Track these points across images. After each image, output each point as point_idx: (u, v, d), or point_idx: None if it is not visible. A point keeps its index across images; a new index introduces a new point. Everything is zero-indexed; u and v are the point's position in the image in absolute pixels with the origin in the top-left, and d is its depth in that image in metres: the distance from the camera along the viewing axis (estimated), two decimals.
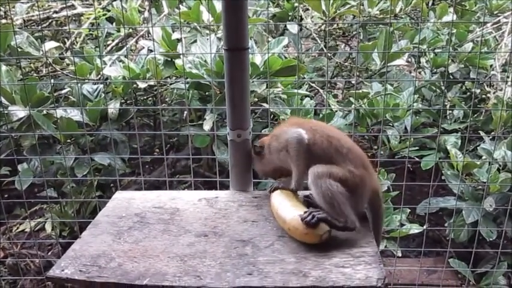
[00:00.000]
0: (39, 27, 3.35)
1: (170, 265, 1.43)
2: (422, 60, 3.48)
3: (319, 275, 1.37)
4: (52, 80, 2.99)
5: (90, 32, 3.57)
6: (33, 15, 3.46)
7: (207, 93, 2.81)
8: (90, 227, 1.66)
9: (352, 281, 1.35)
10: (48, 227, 3.38)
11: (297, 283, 1.35)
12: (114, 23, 3.49)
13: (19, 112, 2.55)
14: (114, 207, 1.79)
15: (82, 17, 3.59)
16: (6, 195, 3.43)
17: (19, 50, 2.70)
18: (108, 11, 3.45)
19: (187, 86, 2.71)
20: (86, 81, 2.80)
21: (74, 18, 3.72)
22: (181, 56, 2.67)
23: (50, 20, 3.51)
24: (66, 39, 3.49)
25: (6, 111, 2.59)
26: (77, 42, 3.49)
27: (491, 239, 2.74)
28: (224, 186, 2.57)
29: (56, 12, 3.42)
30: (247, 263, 1.44)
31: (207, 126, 2.62)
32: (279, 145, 1.71)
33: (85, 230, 1.64)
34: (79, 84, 2.74)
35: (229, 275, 1.38)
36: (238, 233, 1.61)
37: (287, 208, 1.62)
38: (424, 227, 2.65)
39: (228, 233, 1.61)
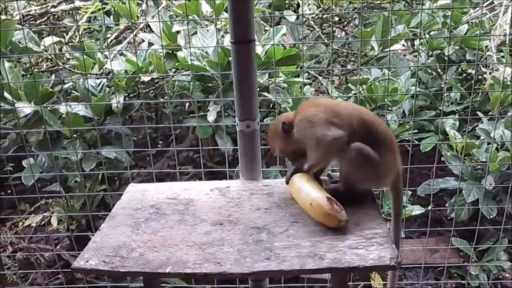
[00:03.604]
0: (38, 22, 3.36)
1: (190, 253, 1.49)
2: (418, 43, 3.52)
3: (335, 257, 1.43)
4: (53, 76, 3.03)
5: (88, 26, 3.58)
6: (30, 10, 3.47)
7: (209, 84, 2.85)
8: (108, 220, 1.71)
9: (367, 261, 1.41)
10: (54, 222, 3.42)
11: (313, 265, 1.41)
12: (111, 16, 3.50)
13: (25, 109, 2.58)
14: (128, 199, 1.84)
15: (80, 11, 3.59)
16: (9, 191, 3.46)
17: (20, 46, 2.71)
18: (106, 4, 3.46)
19: (190, 78, 2.75)
20: (89, 76, 2.82)
21: (70, 12, 3.72)
22: (183, 49, 2.70)
23: (48, 15, 3.52)
24: (65, 34, 3.50)
25: (11, 108, 2.61)
26: (75, 37, 3.50)
27: (491, 217, 2.81)
28: (228, 176, 2.62)
29: (53, 6, 3.43)
30: (264, 248, 1.50)
31: (211, 117, 2.65)
32: (311, 133, 1.70)
33: (103, 223, 1.69)
34: (81, 80, 2.77)
35: (248, 261, 1.44)
36: (253, 220, 1.66)
37: (313, 188, 1.69)
38: (429, 207, 2.72)
39: (243, 221, 1.66)
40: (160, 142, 3.55)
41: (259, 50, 2.66)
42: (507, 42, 3.05)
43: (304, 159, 1.77)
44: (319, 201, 1.60)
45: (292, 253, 1.46)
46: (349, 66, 3.80)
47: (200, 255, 1.48)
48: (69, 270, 1.52)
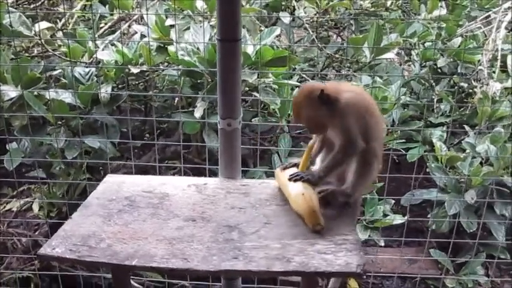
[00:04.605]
0: (31, 6, 3.34)
1: (158, 247, 1.48)
2: (412, 53, 3.53)
3: (302, 261, 1.43)
4: (43, 62, 3.01)
5: (83, 14, 3.56)
6: None
7: (198, 80, 2.84)
8: (80, 209, 1.70)
9: (333, 267, 1.41)
10: (35, 207, 3.40)
11: (280, 268, 1.41)
12: (107, 6, 3.49)
13: (10, 92, 2.56)
14: (104, 190, 1.83)
15: None
16: None
17: (10, 29, 2.70)
18: None
19: (179, 73, 2.74)
20: (78, 64, 2.81)
21: None
22: (174, 43, 2.69)
23: (42, 0, 3.50)
24: (58, 20, 3.48)
25: None
26: (69, 24, 3.48)
27: (471, 231, 2.82)
28: (213, 173, 2.61)
29: None
30: (233, 247, 1.49)
31: (198, 113, 2.65)
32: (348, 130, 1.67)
33: (75, 211, 1.68)
34: (70, 67, 2.76)
35: (215, 259, 1.44)
36: (226, 219, 1.66)
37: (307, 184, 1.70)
38: (406, 217, 2.72)
39: (216, 219, 1.66)
40: (147, 135, 3.53)
41: (250, 49, 2.65)
42: (498, 57, 3.05)
43: (321, 134, 1.78)
44: (312, 196, 1.63)
45: (260, 254, 1.46)
46: (343, 72, 3.80)
47: (168, 250, 1.47)
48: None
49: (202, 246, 1.49)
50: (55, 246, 1.47)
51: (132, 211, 1.68)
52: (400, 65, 3.88)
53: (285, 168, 1.83)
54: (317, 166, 1.83)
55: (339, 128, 1.67)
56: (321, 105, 1.65)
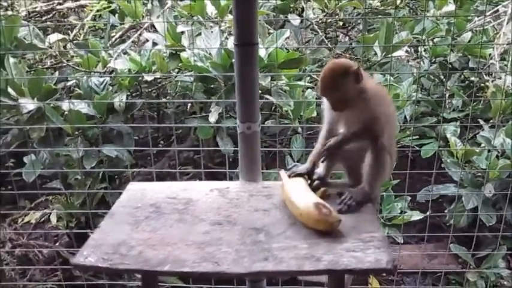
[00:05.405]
0: (43, 18, 3.39)
1: (188, 252, 1.49)
2: (421, 49, 3.53)
3: (332, 259, 1.43)
4: (57, 73, 3.05)
5: (94, 24, 3.60)
6: (36, 7, 3.50)
7: (211, 85, 2.86)
8: (107, 218, 1.71)
9: (363, 264, 1.41)
10: (53, 219, 3.42)
11: (310, 267, 1.41)
12: (116, 15, 3.52)
13: (28, 105, 2.59)
14: (128, 198, 1.85)
15: (85, 9, 3.61)
16: (9, 187, 3.47)
17: (25, 42, 2.74)
18: (111, 2, 3.47)
19: (192, 79, 2.76)
20: (93, 74, 2.84)
21: (75, 10, 3.75)
22: (186, 49, 2.71)
23: (53, 12, 3.54)
24: (69, 31, 3.52)
25: (14, 104, 2.63)
26: (80, 34, 3.52)
27: (490, 224, 2.82)
28: (228, 177, 2.63)
29: (59, 3, 3.45)
30: (262, 249, 1.50)
31: (212, 118, 2.67)
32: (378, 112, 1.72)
33: (102, 220, 1.70)
34: (85, 77, 2.79)
35: (245, 261, 1.45)
36: (251, 221, 1.67)
37: (300, 195, 1.69)
38: (428, 213, 2.72)
39: (241, 222, 1.67)
40: (162, 142, 3.56)
41: (262, 52, 2.67)
42: (510, 51, 3.05)
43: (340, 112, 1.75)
44: (307, 210, 1.60)
45: (289, 254, 1.47)
46: None
47: (198, 254, 1.48)
48: (67, 267, 1.53)
49: (232, 249, 1.51)
50: (87, 256, 1.48)
51: (159, 217, 1.70)
52: (408, 61, 3.89)
53: (289, 176, 1.83)
54: (320, 168, 1.86)
55: (362, 114, 1.71)
56: (354, 82, 1.68)
